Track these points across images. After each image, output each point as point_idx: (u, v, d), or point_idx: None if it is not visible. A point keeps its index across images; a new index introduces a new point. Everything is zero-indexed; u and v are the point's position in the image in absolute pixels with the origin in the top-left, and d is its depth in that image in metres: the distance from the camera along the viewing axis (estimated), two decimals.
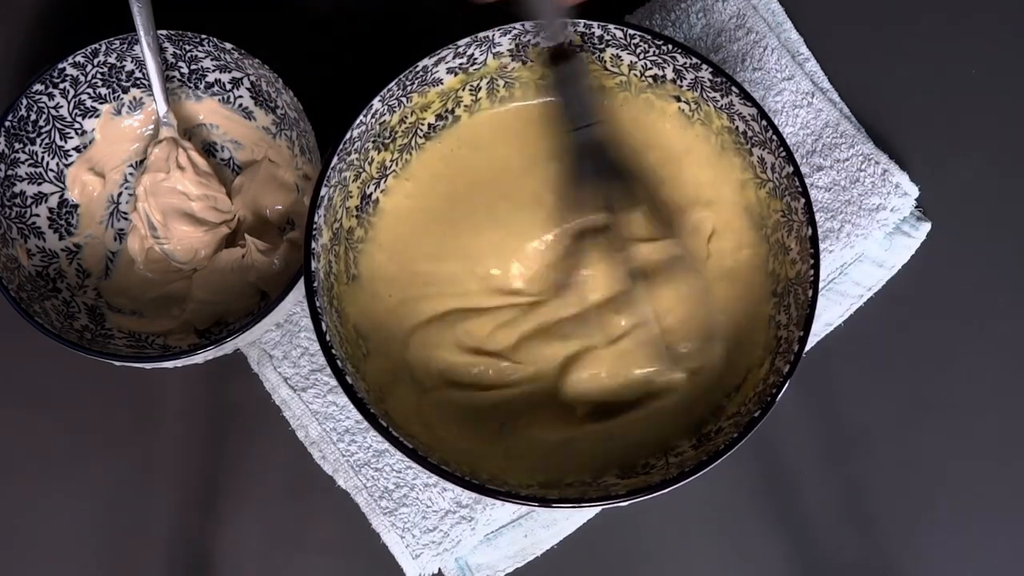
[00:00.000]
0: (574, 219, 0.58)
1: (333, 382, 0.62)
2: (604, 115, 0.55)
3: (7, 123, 0.59)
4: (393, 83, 0.55)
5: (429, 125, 0.59)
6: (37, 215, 0.62)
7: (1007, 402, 0.63)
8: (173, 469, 0.63)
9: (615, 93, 0.59)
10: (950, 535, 0.61)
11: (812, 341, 0.63)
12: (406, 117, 0.57)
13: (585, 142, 0.55)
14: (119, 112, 0.63)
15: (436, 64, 0.56)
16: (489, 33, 0.56)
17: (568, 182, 0.56)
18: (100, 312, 0.61)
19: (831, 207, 0.63)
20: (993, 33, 0.68)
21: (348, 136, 0.54)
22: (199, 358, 0.58)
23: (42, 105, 0.61)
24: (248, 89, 0.62)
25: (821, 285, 0.63)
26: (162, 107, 0.62)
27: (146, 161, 0.63)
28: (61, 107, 0.61)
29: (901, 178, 0.63)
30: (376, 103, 0.55)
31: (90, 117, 0.63)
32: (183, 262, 0.63)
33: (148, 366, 0.58)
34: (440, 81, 0.57)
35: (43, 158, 0.62)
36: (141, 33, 0.59)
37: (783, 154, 0.54)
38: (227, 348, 0.58)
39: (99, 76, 0.62)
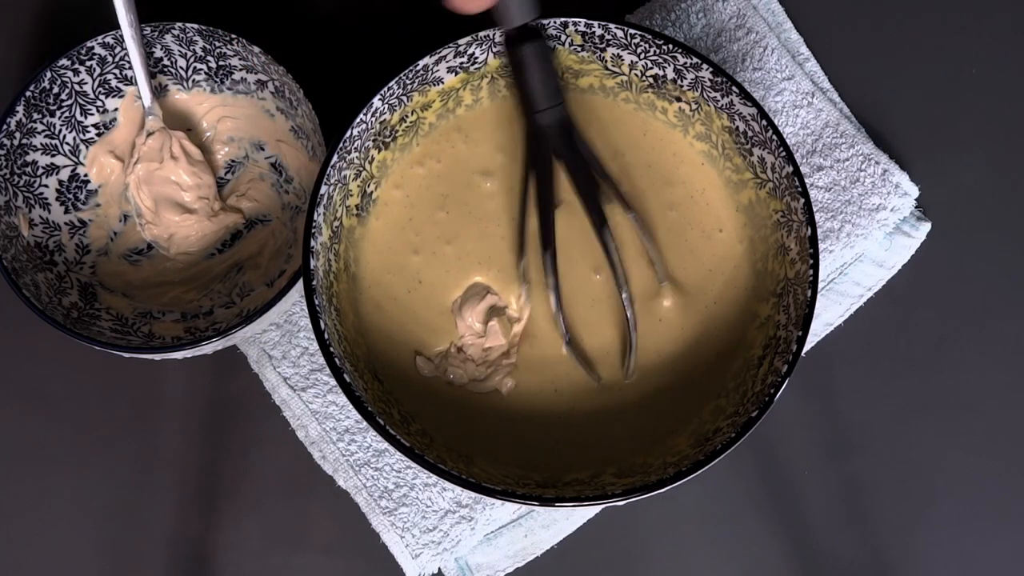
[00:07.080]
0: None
1: (333, 382, 0.62)
2: (565, 96, 0.56)
3: (28, 93, 0.60)
4: (393, 82, 0.55)
5: (430, 124, 0.59)
6: (46, 186, 0.62)
7: (1007, 402, 0.63)
8: (173, 468, 0.63)
9: (616, 92, 0.59)
10: (950, 535, 0.61)
11: (812, 341, 0.63)
12: (407, 116, 0.57)
13: (552, 123, 0.55)
14: None
15: (437, 63, 0.56)
16: (490, 32, 0.56)
17: (529, 169, 0.56)
18: (93, 290, 0.62)
19: (831, 207, 0.63)
20: (993, 33, 0.68)
21: (348, 135, 0.54)
22: (179, 355, 0.58)
23: (66, 79, 0.61)
24: (272, 93, 0.63)
25: (821, 285, 0.63)
26: (147, 98, 0.62)
27: (136, 151, 0.63)
28: (85, 83, 0.62)
29: (901, 178, 0.63)
30: (376, 102, 0.55)
31: (114, 97, 0.63)
32: (168, 250, 0.63)
33: (126, 355, 0.58)
34: (441, 80, 0.57)
35: (60, 131, 0.62)
36: (124, 26, 0.60)
37: (783, 154, 0.54)
38: (206, 348, 0.58)
39: (127, 59, 0.62)
